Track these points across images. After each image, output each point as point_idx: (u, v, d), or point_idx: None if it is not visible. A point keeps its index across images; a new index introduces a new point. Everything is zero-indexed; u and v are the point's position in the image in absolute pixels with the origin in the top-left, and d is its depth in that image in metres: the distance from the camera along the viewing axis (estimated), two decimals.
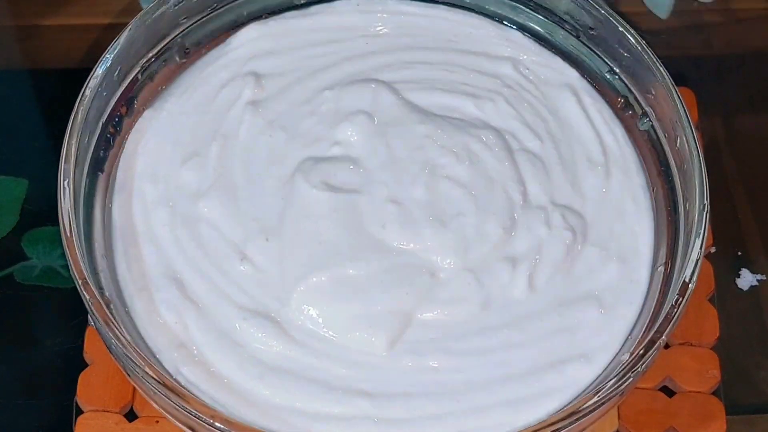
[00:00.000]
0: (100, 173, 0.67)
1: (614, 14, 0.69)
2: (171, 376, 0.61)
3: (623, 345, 0.63)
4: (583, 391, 0.61)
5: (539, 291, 0.64)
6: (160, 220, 0.65)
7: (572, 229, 0.66)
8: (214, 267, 0.64)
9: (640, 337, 0.62)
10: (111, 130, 0.67)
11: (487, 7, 0.73)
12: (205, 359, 0.62)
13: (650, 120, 0.69)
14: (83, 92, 0.65)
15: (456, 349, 0.62)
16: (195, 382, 0.61)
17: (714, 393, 0.68)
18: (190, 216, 0.66)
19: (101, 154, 0.67)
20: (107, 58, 0.66)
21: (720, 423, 0.67)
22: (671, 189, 0.67)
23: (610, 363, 0.63)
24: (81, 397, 0.66)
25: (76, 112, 0.64)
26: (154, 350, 0.62)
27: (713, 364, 0.68)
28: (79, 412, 0.66)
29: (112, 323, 0.59)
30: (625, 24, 0.69)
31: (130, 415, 0.66)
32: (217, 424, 0.58)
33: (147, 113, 0.69)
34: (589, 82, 0.71)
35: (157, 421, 0.65)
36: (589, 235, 0.66)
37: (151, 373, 0.58)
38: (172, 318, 0.63)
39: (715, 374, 0.68)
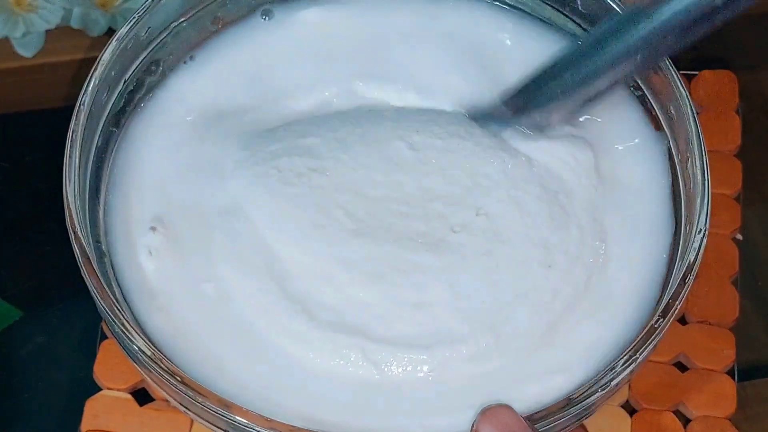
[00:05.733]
0: (115, 129, 0.68)
1: None
2: (140, 325, 0.62)
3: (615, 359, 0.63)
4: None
5: None
6: (162, 170, 0.66)
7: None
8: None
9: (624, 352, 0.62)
10: (132, 88, 0.68)
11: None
12: (175, 310, 0.62)
13: (668, 140, 0.68)
14: (104, 50, 0.66)
15: None
16: (163, 329, 0.62)
17: (727, 373, 0.69)
18: None
19: (118, 112, 0.68)
20: (134, 17, 0.67)
21: (731, 402, 0.68)
22: (676, 209, 0.67)
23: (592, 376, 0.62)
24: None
25: (95, 68, 0.65)
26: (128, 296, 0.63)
27: (729, 344, 0.69)
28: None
29: (96, 276, 0.60)
30: None
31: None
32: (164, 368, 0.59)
33: (169, 74, 0.70)
34: None
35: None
36: (610, 252, 0.65)
37: (128, 326, 0.59)
38: (151, 264, 0.63)
39: (730, 354, 0.69)
